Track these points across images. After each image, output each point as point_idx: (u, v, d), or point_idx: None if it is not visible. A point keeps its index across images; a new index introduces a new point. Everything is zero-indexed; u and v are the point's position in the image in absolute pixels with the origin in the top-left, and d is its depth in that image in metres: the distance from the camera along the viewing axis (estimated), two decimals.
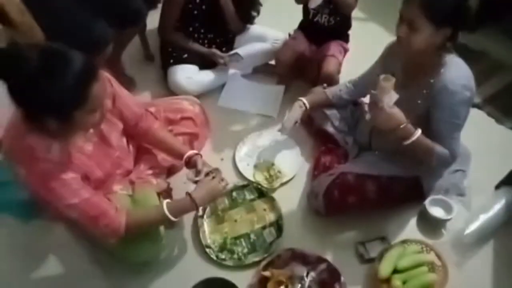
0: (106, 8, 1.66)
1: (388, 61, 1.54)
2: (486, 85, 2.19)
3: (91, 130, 1.30)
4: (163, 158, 1.61)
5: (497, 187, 1.70)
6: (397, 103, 1.33)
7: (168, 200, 1.34)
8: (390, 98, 1.30)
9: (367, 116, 1.53)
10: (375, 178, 1.52)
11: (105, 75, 1.33)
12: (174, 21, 2.01)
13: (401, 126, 1.31)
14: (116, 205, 1.29)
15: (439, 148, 1.37)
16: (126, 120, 1.43)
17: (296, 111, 1.70)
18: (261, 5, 2.09)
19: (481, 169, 1.74)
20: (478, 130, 1.93)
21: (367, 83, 1.62)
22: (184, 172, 1.52)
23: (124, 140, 1.48)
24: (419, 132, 1.34)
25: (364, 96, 1.77)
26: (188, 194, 1.34)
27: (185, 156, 1.46)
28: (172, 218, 1.30)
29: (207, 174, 1.42)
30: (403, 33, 1.29)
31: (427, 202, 1.59)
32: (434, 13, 1.23)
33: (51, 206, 1.24)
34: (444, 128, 1.37)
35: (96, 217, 1.23)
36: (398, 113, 1.31)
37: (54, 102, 1.05)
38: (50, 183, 1.15)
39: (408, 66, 1.44)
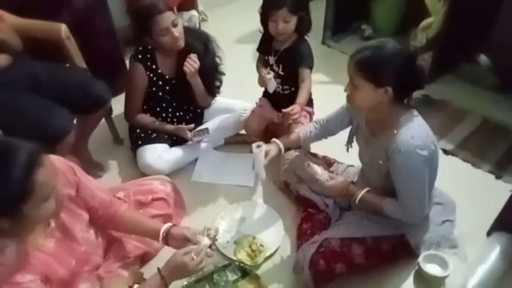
0: (67, 96, 1.67)
1: (354, 114, 1.55)
2: (455, 131, 2.23)
3: (52, 225, 1.20)
4: (134, 245, 1.50)
5: (489, 233, 1.65)
6: (365, 161, 1.44)
7: (137, 286, 1.25)
8: (324, 174, 1.49)
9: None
10: (360, 240, 1.46)
11: (69, 164, 1.27)
12: (138, 105, 2.01)
13: (344, 190, 1.45)
14: None
15: (389, 207, 1.39)
16: (92, 210, 1.34)
17: (270, 152, 1.63)
18: (223, 74, 2.13)
19: (468, 217, 1.70)
20: (457, 177, 1.93)
21: (332, 126, 1.67)
22: (158, 260, 1.40)
23: (92, 231, 1.37)
24: (362, 192, 1.43)
25: (331, 135, 1.76)
26: (158, 270, 1.23)
27: (161, 233, 1.35)
28: None
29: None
30: (347, 89, 1.35)
31: (420, 259, 1.50)
32: (368, 73, 1.25)
33: None
34: (402, 189, 1.35)
35: None
36: (335, 182, 1.47)
37: None
38: None
39: (369, 122, 1.46)
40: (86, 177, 1.34)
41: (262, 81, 1.90)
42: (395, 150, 1.28)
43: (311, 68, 1.87)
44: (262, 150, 1.61)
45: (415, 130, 1.29)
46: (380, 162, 1.37)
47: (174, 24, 1.79)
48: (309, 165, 1.55)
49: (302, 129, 1.73)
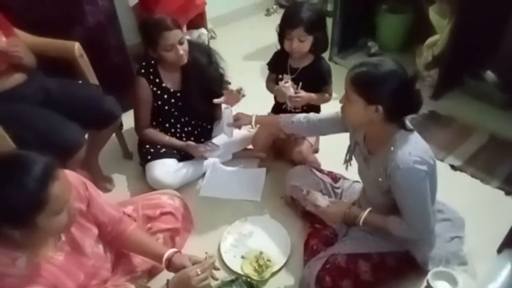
0: (78, 111, 1.70)
1: (351, 130, 1.55)
2: (461, 147, 2.22)
3: (62, 238, 1.22)
4: (142, 260, 1.50)
5: (499, 250, 1.62)
6: (364, 179, 1.47)
7: None
8: (324, 201, 1.52)
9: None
10: (366, 256, 1.45)
11: (81, 179, 1.30)
12: (146, 120, 2.04)
13: (346, 214, 1.46)
14: None
15: (394, 226, 1.38)
16: (101, 225, 1.36)
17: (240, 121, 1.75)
18: (229, 83, 2.15)
19: (477, 233, 1.68)
20: (466, 193, 1.92)
21: (324, 127, 1.66)
22: (166, 274, 1.40)
23: (101, 246, 1.38)
24: (365, 213, 1.43)
25: (320, 134, 1.80)
26: (167, 282, 1.26)
27: (164, 259, 1.35)
28: None
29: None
30: (341, 101, 1.36)
31: (429, 276, 1.48)
32: (362, 90, 1.26)
33: None
34: (405, 206, 1.34)
35: None
36: (336, 208, 1.50)
37: (12, 211, 0.99)
38: None
39: (367, 138, 1.46)
40: (97, 192, 1.36)
41: (281, 95, 1.88)
42: (394, 168, 1.26)
43: (331, 83, 1.92)
44: (230, 110, 1.72)
45: (411, 147, 1.28)
46: (380, 179, 1.37)
47: (180, 42, 1.83)
48: (308, 193, 1.56)
49: (284, 115, 1.74)
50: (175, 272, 1.34)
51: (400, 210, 1.35)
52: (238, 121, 1.70)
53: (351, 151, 1.56)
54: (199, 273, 1.25)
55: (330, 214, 1.51)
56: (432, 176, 1.34)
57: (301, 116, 1.70)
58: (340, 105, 1.39)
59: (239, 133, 2.14)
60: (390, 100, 1.24)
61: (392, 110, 1.27)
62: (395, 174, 1.27)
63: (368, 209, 1.44)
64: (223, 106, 1.84)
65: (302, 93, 1.82)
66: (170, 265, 1.36)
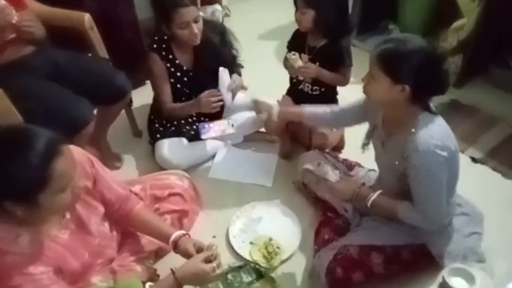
0: (87, 85, 1.65)
1: (371, 113, 1.50)
2: (484, 139, 2.13)
3: (67, 216, 1.19)
4: (149, 240, 1.47)
5: None
6: (380, 163, 1.41)
7: (150, 284, 1.22)
8: (333, 176, 1.50)
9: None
10: (380, 248, 1.40)
11: (87, 155, 1.26)
12: (168, 95, 1.95)
13: (356, 193, 1.40)
14: None
15: (404, 210, 1.34)
16: (108, 203, 1.32)
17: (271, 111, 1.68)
18: (242, 66, 2.08)
19: (496, 230, 1.62)
20: (485, 187, 1.85)
21: (348, 115, 1.60)
22: (173, 256, 1.37)
23: (107, 224, 1.36)
24: (375, 195, 1.38)
25: (344, 125, 1.75)
26: (172, 271, 1.20)
27: (171, 240, 1.31)
28: None
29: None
30: (364, 79, 1.29)
31: (445, 272, 1.42)
32: (389, 68, 1.20)
33: None
34: (419, 190, 1.29)
35: None
36: (346, 185, 1.44)
37: (14, 186, 0.95)
38: (14, 279, 1.01)
39: (386, 121, 1.40)
40: (104, 169, 1.33)
41: (290, 68, 1.83)
42: (413, 150, 1.22)
43: (351, 66, 1.82)
44: (226, 72, 1.76)
45: (435, 130, 1.24)
46: (396, 163, 1.32)
47: (195, 20, 1.76)
48: (319, 165, 1.51)
49: (308, 107, 1.67)
50: (182, 256, 1.31)
51: (412, 195, 1.31)
52: (260, 113, 1.63)
53: (369, 134, 1.51)
54: (216, 269, 1.22)
55: (339, 190, 1.46)
56: (453, 164, 1.28)
57: (325, 107, 1.64)
58: (361, 88, 1.33)
59: (252, 114, 2.08)
60: (418, 78, 1.19)
61: (419, 90, 1.21)
62: (412, 157, 1.23)
63: (379, 191, 1.39)
64: (220, 69, 1.76)
65: (310, 64, 1.75)
66: (176, 247, 1.33)
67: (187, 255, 1.28)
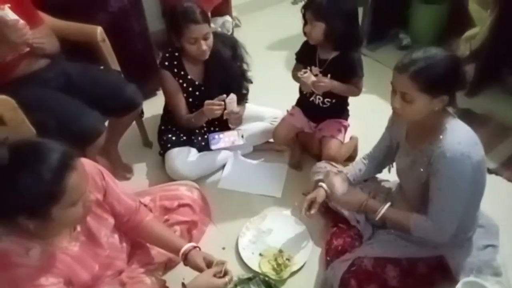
0: (99, 97, 1.67)
1: (393, 131, 1.49)
2: (498, 149, 2.09)
3: (78, 229, 1.19)
4: (158, 252, 1.48)
5: None
6: (403, 172, 1.38)
7: None
8: (340, 188, 1.45)
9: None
10: (395, 261, 1.37)
11: (98, 167, 1.27)
12: (184, 108, 1.95)
13: (363, 206, 1.39)
14: None
15: (417, 221, 1.31)
16: (118, 215, 1.33)
17: (319, 194, 1.56)
18: (251, 82, 2.08)
19: None
20: (500, 198, 1.80)
21: (381, 155, 1.59)
22: (182, 267, 1.37)
23: (116, 236, 1.36)
24: (384, 208, 1.36)
25: (381, 170, 1.67)
26: (183, 285, 1.20)
27: (181, 253, 1.31)
28: None
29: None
30: (397, 104, 1.26)
31: (459, 286, 1.39)
32: (426, 85, 1.18)
33: None
34: (438, 197, 1.26)
35: None
36: (351, 198, 1.43)
37: (27, 201, 0.96)
38: None
39: (410, 132, 1.39)
40: (114, 181, 1.33)
41: (304, 85, 1.81)
42: (440, 155, 1.21)
43: (363, 76, 1.81)
44: (234, 100, 1.78)
45: (463, 136, 1.23)
46: (421, 169, 1.30)
47: (205, 38, 1.77)
48: (328, 175, 1.49)
49: (351, 169, 1.64)
50: (191, 268, 1.31)
51: (430, 201, 1.28)
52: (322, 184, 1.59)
53: (393, 154, 1.51)
54: (227, 282, 1.23)
55: (344, 203, 1.47)
56: (478, 173, 1.26)
57: (360, 160, 1.64)
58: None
59: (261, 125, 2.07)
60: (453, 85, 1.22)
61: (453, 96, 1.24)
62: (439, 162, 1.22)
63: (388, 204, 1.38)
64: (230, 96, 1.76)
65: (324, 79, 1.74)
66: (186, 260, 1.33)
67: (196, 268, 1.28)
